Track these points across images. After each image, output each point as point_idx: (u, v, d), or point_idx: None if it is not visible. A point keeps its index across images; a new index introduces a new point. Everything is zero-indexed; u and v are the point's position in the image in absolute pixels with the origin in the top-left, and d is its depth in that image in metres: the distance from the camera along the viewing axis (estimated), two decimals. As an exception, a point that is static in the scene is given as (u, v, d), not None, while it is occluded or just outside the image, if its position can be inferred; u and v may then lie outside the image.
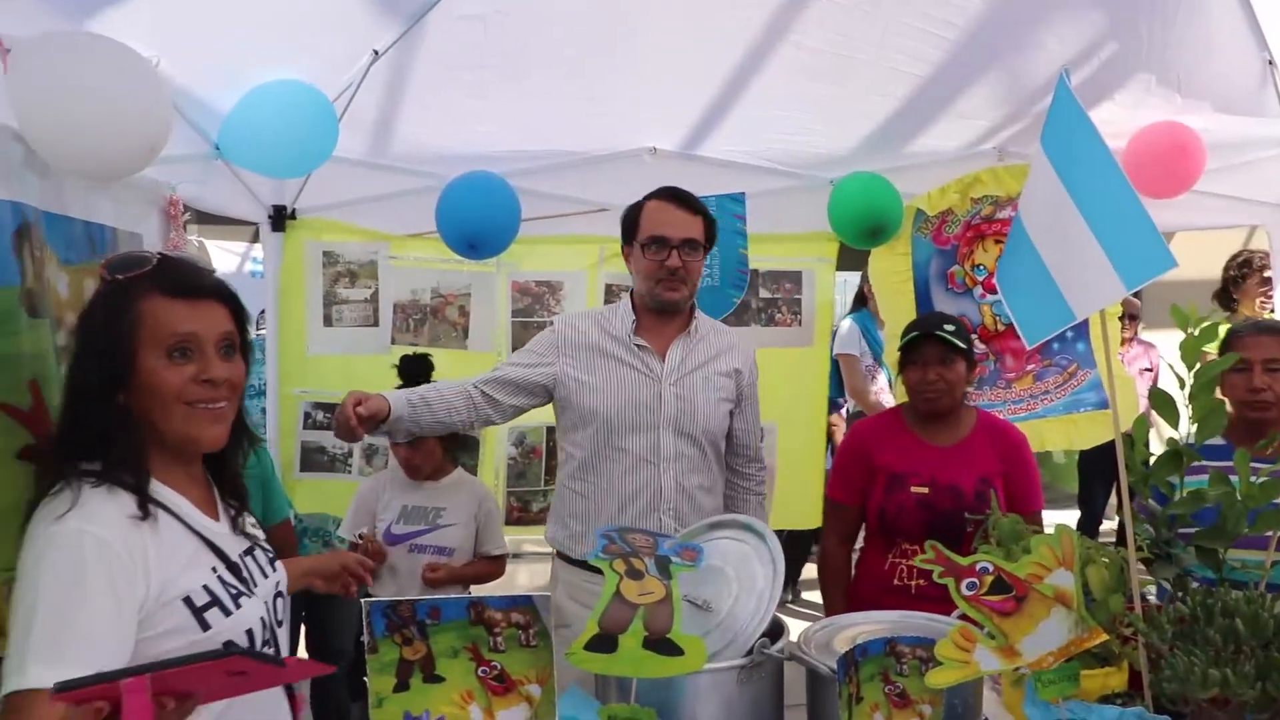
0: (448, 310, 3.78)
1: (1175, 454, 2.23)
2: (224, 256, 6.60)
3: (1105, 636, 1.88)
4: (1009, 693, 2.13)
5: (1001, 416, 3.72)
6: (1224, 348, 2.80)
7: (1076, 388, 3.77)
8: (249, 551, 1.71)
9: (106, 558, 1.41)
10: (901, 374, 2.91)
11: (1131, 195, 1.74)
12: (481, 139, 3.58)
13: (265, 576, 1.73)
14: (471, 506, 3.26)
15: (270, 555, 1.79)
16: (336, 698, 4.01)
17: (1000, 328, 3.83)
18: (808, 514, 3.95)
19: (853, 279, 6.18)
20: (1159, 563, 2.25)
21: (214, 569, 1.59)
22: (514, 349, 3.82)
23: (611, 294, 3.79)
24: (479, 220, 3.33)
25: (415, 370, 3.25)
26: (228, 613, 1.56)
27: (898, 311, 3.87)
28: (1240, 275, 5.04)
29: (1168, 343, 4.27)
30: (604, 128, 3.61)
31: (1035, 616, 1.84)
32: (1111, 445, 3.93)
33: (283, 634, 1.77)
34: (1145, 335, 5.87)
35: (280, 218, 3.63)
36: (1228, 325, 2.91)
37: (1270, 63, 3.42)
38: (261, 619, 1.64)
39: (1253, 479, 2.16)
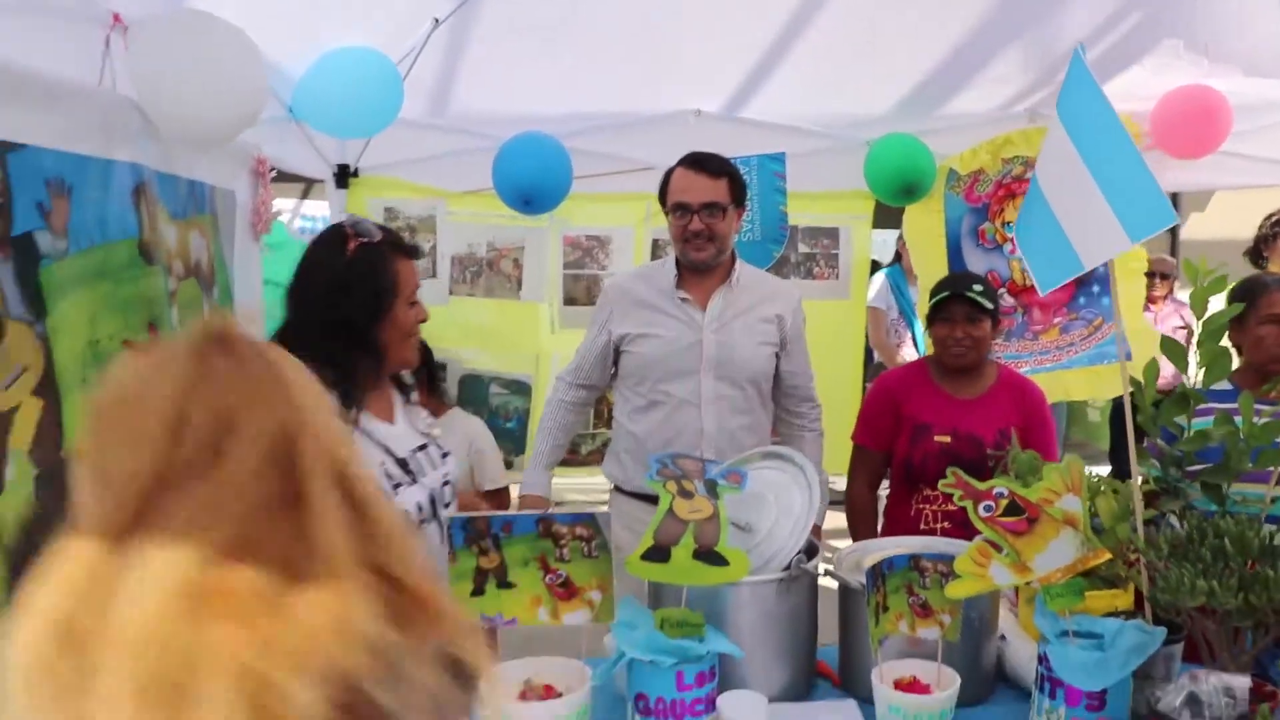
0: (502, 263, 3.99)
1: (1183, 396, 2.40)
2: (274, 214, 6.88)
3: (1109, 555, 2.08)
4: (1024, 611, 2.33)
5: (1028, 367, 3.90)
6: (1247, 298, 2.90)
7: (1101, 340, 3.92)
8: (422, 448, 2.19)
9: None
10: (930, 329, 3.04)
11: (1136, 156, 1.91)
12: (534, 101, 3.76)
13: (434, 468, 2.21)
14: (462, 446, 3.34)
15: (443, 452, 2.27)
16: None
17: (1028, 282, 3.98)
18: (843, 461, 4.13)
19: (893, 237, 6.31)
20: (1166, 496, 2.44)
21: (381, 463, 2.06)
22: (564, 300, 4.03)
23: (658, 248, 3.99)
24: (534, 178, 3.52)
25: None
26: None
27: (930, 266, 4.04)
28: (1273, 234, 5.13)
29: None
30: (651, 91, 3.78)
31: (1046, 537, 2.04)
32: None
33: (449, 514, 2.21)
34: (1180, 295, 5.97)
35: (344, 176, 3.85)
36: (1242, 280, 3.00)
37: (1296, 25, 3.53)
38: (418, 504, 2.12)
39: (1256, 420, 2.33)
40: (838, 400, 4.09)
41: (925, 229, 4.05)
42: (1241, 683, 1.78)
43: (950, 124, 3.92)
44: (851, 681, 2.27)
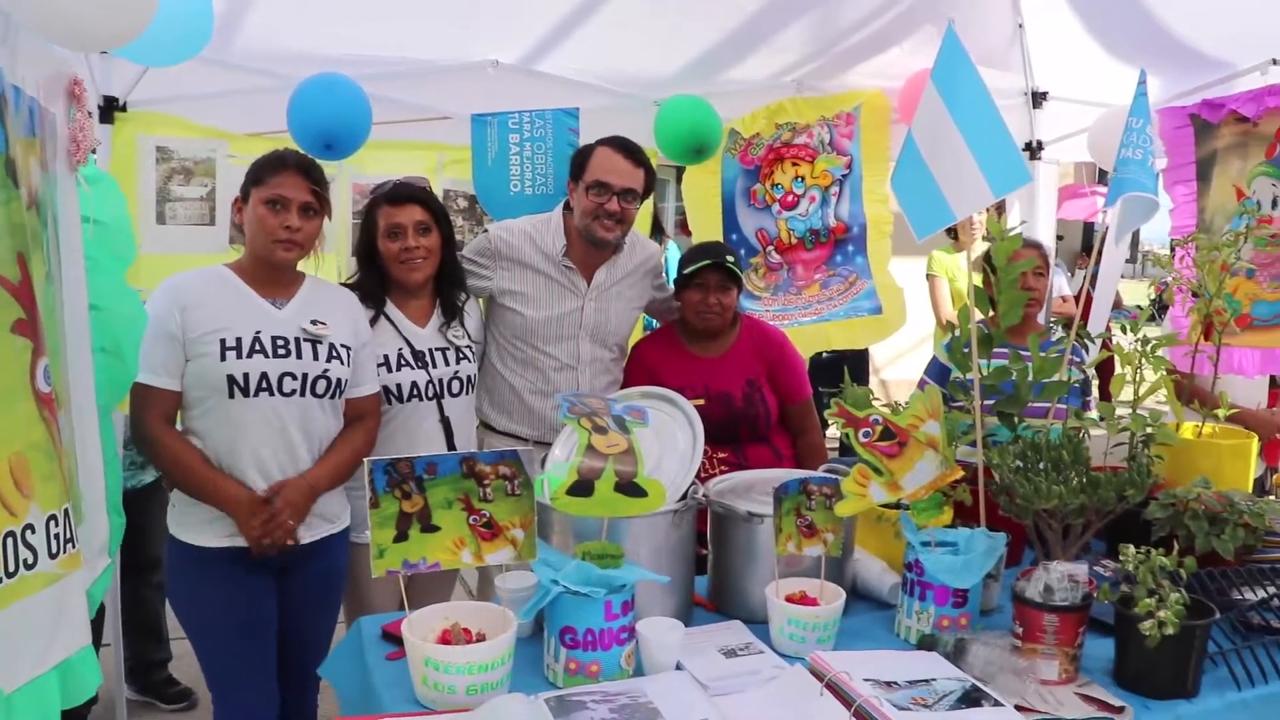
0: (287, 210, 3.75)
1: (987, 337, 2.76)
2: None
3: (962, 473, 2.37)
4: (862, 531, 2.58)
5: (792, 320, 4.23)
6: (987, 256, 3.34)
7: (855, 295, 4.31)
8: (442, 350, 2.93)
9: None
10: (681, 294, 3.18)
11: (1000, 123, 2.19)
12: (327, 42, 3.58)
13: (446, 365, 2.93)
14: None
15: (459, 355, 2.95)
16: (151, 609, 3.91)
17: (793, 241, 4.31)
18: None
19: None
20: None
21: (399, 348, 2.87)
22: (353, 249, 3.87)
23: (449, 198, 3.93)
24: (336, 121, 3.34)
25: None
26: (390, 371, 2.83)
27: (706, 225, 4.27)
28: None
29: (906, 267, 4.91)
30: (449, 39, 3.71)
31: (913, 458, 2.30)
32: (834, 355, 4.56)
33: (461, 404, 2.97)
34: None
35: (110, 109, 3.47)
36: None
37: (1020, 26, 4.10)
38: (413, 383, 2.87)
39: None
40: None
41: (702, 189, 4.27)
42: (1080, 570, 2.11)
43: (727, 89, 4.13)
44: (725, 603, 2.42)
